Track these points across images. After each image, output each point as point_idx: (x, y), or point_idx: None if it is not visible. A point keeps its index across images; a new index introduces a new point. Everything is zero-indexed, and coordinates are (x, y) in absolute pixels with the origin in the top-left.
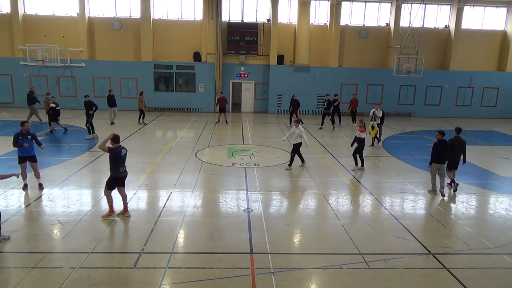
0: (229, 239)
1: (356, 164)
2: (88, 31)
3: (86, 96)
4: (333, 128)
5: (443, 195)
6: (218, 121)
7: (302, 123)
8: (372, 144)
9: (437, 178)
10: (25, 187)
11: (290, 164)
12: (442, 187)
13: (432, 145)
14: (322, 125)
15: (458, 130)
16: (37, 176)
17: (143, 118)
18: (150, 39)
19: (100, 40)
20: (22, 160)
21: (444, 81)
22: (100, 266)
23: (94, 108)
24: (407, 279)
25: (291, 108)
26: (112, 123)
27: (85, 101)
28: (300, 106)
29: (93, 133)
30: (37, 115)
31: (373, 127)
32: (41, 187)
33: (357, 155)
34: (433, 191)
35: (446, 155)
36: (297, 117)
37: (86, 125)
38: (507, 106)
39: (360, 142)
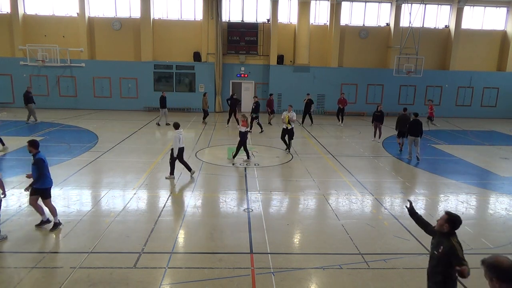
0: (229, 239)
1: (248, 157)
2: (88, 31)
3: None
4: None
5: (418, 159)
6: (270, 123)
7: (239, 124)
8: (287, 149)
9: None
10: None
11: (171, 173)
12: (417, 152)
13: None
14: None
15: (405, 110)
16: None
17: (206, 117)
18: (150, 39)
19: (100, 40)
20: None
21: (444, 81)
22: (100, 266)
23: None
24: (407, 279)
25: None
26: (167, 124)
27: None
28: (236, 105)
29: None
30: (34, 115)
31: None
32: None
33: (242, 147)
34: (409, 155)
35: (421, 131)
36: (234, 117)
37: None
38: (507, 106)
39: (241, 136)
